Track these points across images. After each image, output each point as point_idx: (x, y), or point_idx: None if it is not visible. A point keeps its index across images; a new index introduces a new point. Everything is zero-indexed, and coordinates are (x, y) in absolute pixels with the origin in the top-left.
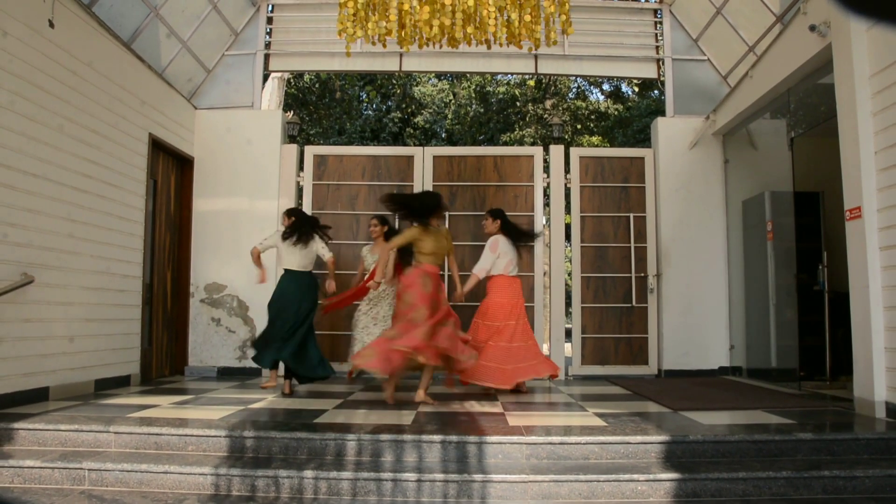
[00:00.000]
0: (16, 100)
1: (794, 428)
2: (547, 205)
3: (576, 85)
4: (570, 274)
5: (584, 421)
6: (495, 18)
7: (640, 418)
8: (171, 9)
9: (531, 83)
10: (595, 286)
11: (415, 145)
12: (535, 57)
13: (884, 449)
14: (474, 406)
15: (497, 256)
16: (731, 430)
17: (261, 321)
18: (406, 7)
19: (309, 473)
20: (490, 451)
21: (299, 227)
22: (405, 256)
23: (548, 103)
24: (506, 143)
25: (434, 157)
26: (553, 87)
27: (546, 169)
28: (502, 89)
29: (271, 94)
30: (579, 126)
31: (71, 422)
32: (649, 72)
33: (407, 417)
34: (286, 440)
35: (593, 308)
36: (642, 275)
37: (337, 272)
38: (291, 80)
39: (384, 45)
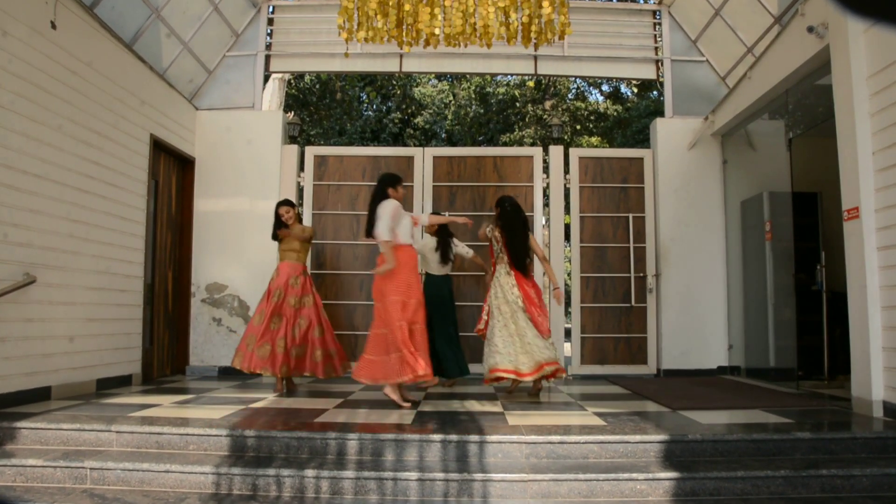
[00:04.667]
0: (17, 100)
1: (793, 427)
2: (546, 205)
3: (575, 86)
4: (569, 274)
5: (583, 420)
6: (495, 18)
7: (640, 417)
8: (172, 10)
9: (531, 84)
10: (594, 286)
11: (415, 146)
12: (535, 58)
13: (881, 448)
14: (474, 406)
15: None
16: (730, 430)
17: None
18: (406, 8)
19: (310, 472)
20: (490, 450)
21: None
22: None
23: (547, 104)
24: (505, 144)
25: (434, 157)
26: (552, 88)
27: (545, 169)
28: (502, 90)
29: (272, 94)
30: (579, 127)
31: (73, 421)
32: (648, 73)
33: (407, 417)
34: (287, 439)
35: (592, 308)
36: (641, 275)
37: (336, 272)
38: (292, 81)
39: (383, 42)
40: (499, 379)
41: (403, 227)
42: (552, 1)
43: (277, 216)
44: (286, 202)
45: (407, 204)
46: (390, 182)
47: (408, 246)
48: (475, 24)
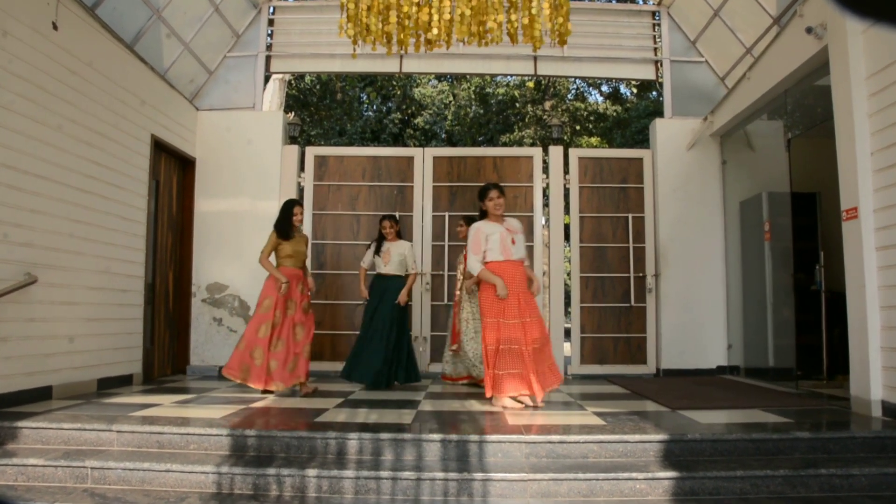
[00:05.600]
0: (19, 101)
1: (792, 427)
2: (546, 205)
3: (575, 86)
4: (569, 274)
5: (582, 420)
6: (494, 19)
7: (639, 417)
8: (173, 11)
9: (530, 84)
10: (594, 286)
11: (415, 146)
12: (535, 58)
13: (879, 447)
14: (474, 405)
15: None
16: (729, 429)
17: None
18: (406, 10)
19: (310, 472)
20: (490, 449)
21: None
22: None
23: (547, 104)
24: (505, 144)
25: (434, 157)
26: (552, 89)
27: (545, 169)
28: (502, 90)
29: (272, 95)
30: (578, 127)
31: (74, 420)
32: (647, 73)
33: (407, 416)
34: (287, 439)
35: (592, 308)
36: (641, 275)
37: (336, 272)
38: (292, 82)
39: (386, 49)
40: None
41: (493, 243)
42: (551, 2)
43: (290, 215)
44: (300, 202)
45: (406, 204)
46: (480, 196)
47: (498, 262)
48: (479, 28)
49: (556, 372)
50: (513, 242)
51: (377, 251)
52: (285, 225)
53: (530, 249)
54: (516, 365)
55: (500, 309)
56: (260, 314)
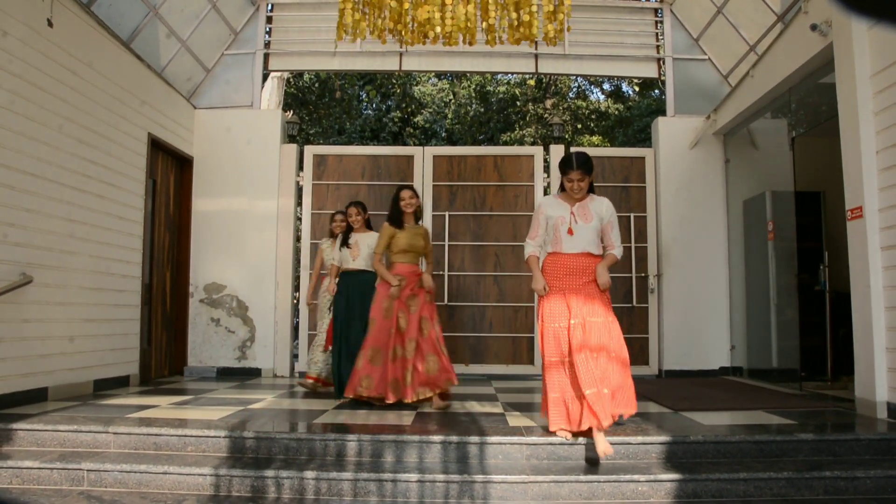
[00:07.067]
0: (15, 99)
1: (795, 428)
2: None
3: (576, 84)
4: None
5: None
6: (496, 17)
7: (641, 419)
8: (170, 8)
9: (531, 83)
10: None
11: (415, 145)
12: (536, 56)
13: (885, 450)
14: (474, 406)
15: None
16: (732, 431)
17: (260, 321)
18: (406, 6)
19: (309, 474)
20: (490, 451)
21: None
22: None
23: (548, 103)
24: (506, 143)
25: (434, 156)
26: (553, 87)
27: (546, 168)
28: (502, 89)
29: (271, 93)
30: (580, 125)
31: (70, 422)
32: (650, 71)
33: (407, 418)
34: (286, 440)
35: None
36: (643, 275)
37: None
38: (291, 80)
39: (383, 41)
40: None
41: (552, 227)
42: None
43: (397, 200)
44: (409, 186)
45: None
46: (560, 168)
47: (550, 255)
48: (479, 24)
49: (622, 398)
50: (569, 233)
51: (344, 243)
52: (395, 212)
53: None
54: (555, 387)
55: (541, 308)
56: (381, 322)
